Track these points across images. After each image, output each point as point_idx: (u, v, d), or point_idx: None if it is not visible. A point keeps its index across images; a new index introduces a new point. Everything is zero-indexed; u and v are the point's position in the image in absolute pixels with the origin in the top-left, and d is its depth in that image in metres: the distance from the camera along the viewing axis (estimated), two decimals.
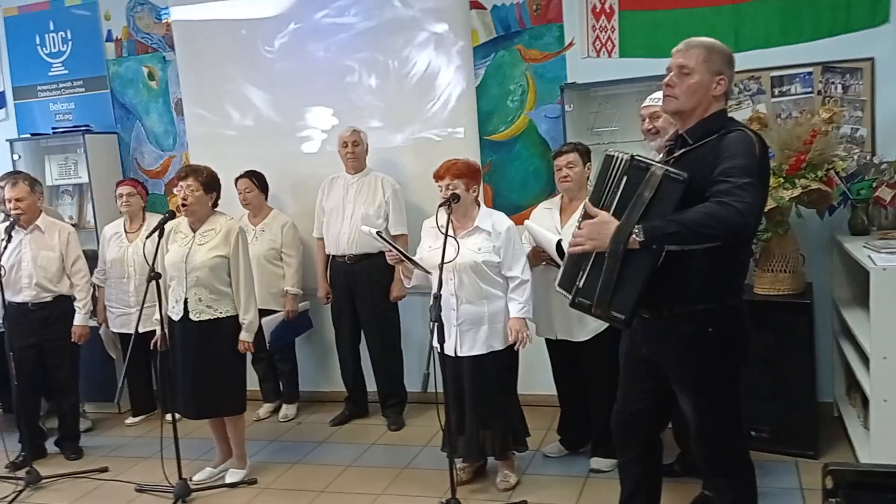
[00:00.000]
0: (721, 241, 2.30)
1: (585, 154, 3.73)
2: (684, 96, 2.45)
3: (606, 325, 3.65)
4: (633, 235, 2.26)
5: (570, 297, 2.49)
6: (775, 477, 3.54)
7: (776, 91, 4.12)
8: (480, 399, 3.54)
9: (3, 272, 4.10)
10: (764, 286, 3.81)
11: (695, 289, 2.43)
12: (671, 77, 2.47)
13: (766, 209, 3.61)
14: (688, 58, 2.44)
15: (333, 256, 4.67)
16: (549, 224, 3.71)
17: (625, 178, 2.35)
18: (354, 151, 4.58)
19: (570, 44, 4.50)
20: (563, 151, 3.72)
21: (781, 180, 3.65)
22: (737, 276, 2.57)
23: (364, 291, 4.59)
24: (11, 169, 5.26)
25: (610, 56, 4.41)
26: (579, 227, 2.45)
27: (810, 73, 4.06)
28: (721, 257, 2.39)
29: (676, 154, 2.49)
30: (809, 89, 4.07)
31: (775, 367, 3.71)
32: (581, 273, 2.45)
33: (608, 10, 4.40)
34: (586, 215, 2.44)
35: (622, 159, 2.41)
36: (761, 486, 3.39)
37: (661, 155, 2.73)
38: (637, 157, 2.37)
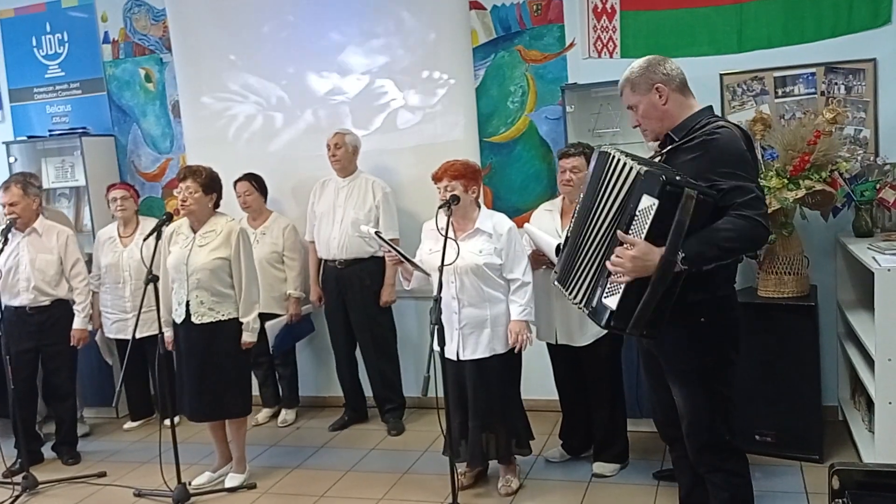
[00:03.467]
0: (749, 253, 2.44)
1: (590, 157, 3.68)
2: (647, 123, 2.61)
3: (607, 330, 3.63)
4: (678, 264, 2.31)
5: (603, 322, 2.46)
6: (780, 480, 3.52)
7: (779, 92, 4.09)
8: (483, 403, 3.50)
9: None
10: (768, 289, 3.78)
11: (687, 280, 2.45)
12: (631, 118, 2.65)
13: (769, 210, 3.60)
14: (625, 99, 2.64)
15: (325, 261, 4.63)
16: (550, 226, 3.67)
17: (655, 202, 2.28)
18: (336, 154, 4.54)
19: (571, 44, 4.47)
20: (570, 154, 3.64)
21: (785, 181, 3.63)
22: (727, 267, 2.61)
23: (355, 296, 4.56)
24: (8, 171, 5.24)
25: (611, 56, 4.38)
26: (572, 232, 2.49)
27: (813, 74, 4.04)
28: None
29: (665, 151, 2.57)
30: (813, 90, 4.05)
31: (779, 371, 3.68)
32: (603, 291, 2.44)
33: (609, 11, 4.37)
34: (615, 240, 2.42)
35: (635, 170, 2.35)
36: (766, 489, 3.40)
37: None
38: (668, 181, 2.29)
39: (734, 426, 2.62)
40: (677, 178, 2.30)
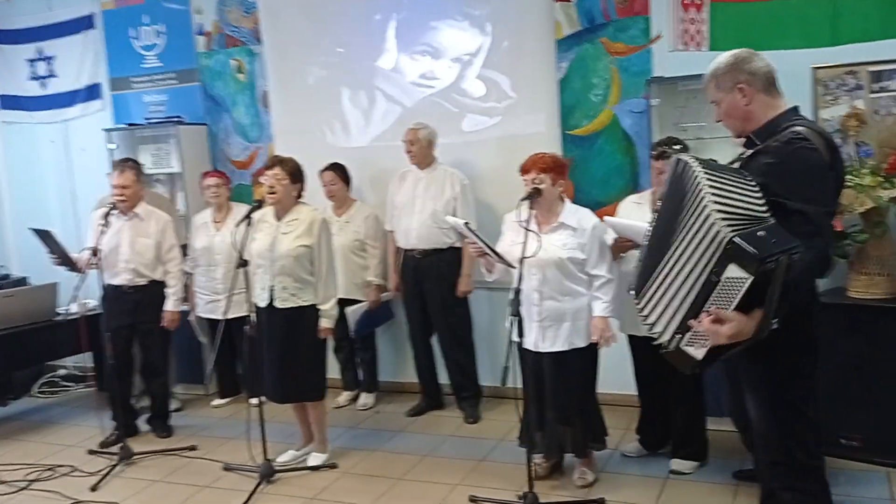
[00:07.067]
0: None
1: None
2: (729, 122, 2.56)
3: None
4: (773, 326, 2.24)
5: (688, 370, 2.40)
6: (865, 487, 3.44)
7: (875, 87, 3.95)
8: (560, 396, 3.53)
9: (100, 255, 4.28)
10: (858, 290, 3.68)
11: None
12: (715, 113, 2.61)
13: (862, 209, 3.52)
14: (708, 93, 2.58)
15: (404, 250, 4.73)
16: (639, 218, 3.62)
17: (749, 279, 2.15)
18: (411, 150, 4.62)
19: (657, 37, 4.42)
20: (667, 155, 3.49)
21: (880, 179, 3.54)
22: None
23: (432, 286, 4.64)
24: (108, 157, 5.51)
25: (699, 49, 4.30)
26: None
27: None
28: None
29: (747, 154, 2.49)
30: None
31: (867, 374, 3.60)
32: (683, 337, 2.36)
33: (698, 2, 4.30)
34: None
35: (721, 235, 2.18)
36: (850, 495, 3.33)
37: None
38: (763, 258, 2.12)
39: (810, 443, 2.50)
40: (759, 234, 2.16)
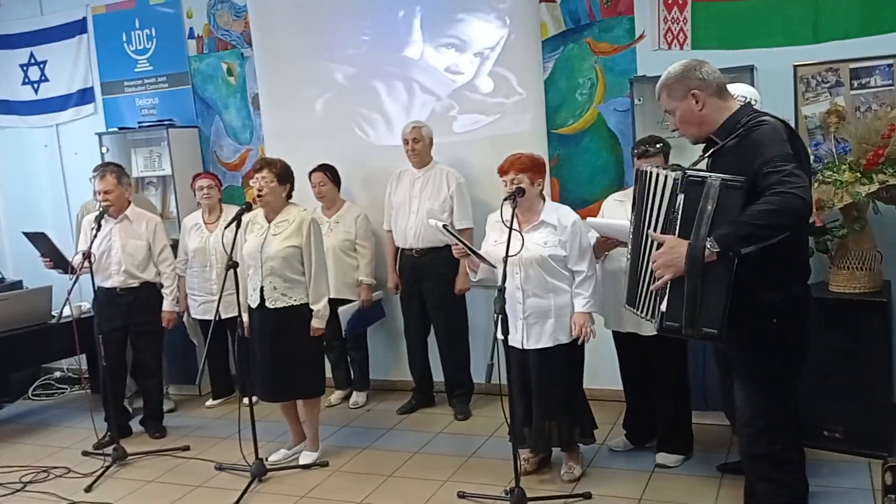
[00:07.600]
0: (791, 230, 2.37)
1: (668, 155, 3.65)
2: (685, 129, 2.65)
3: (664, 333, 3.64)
4: (708, 249, 2.31)
5: (657, 323, 2.49)
6: (847, 477, 3.49)
7: (855, 83, 4.00)
8: (546, 391, 3.58)
9: (93, 259, 4.32)
10: (839, 284, 3.73)
11: (759, 280, 2.45)
12: (670, 122, 2.71)
13: (842, 205, 3.57)
14: (663, 103, 2.68)
15: (402, 249, 4.77)
16: (621, 215, 3.66)
17: (681, 197, 2.35)
18: (415, 148, 4.65)
19: (641, 36, 4.47)
20: (650, 154, 3.56)
21: (859, 175, 3.58)
22: (799, 266, 2.59)
23: (430, 284, 4.68)
24: (100, 161, 5.54)
25: (682, 48, 4.36)
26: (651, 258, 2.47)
27: (890, 66, 3.93)
28: (777, 246, 2.41)
29: (708, 154, 2.59)
30: (889, 82, 3.94)
31: (849, 367, 3.64)
32: (659, 298, 2.47)
33: (680, 2, 4.34)
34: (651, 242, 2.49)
35: (671, 178, 2.42)
36: (833, 486, 3.38)
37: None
38: (690, 173, 2.38)
39: (790, 436, 2.59)
40: (706, 172, 2.36)
